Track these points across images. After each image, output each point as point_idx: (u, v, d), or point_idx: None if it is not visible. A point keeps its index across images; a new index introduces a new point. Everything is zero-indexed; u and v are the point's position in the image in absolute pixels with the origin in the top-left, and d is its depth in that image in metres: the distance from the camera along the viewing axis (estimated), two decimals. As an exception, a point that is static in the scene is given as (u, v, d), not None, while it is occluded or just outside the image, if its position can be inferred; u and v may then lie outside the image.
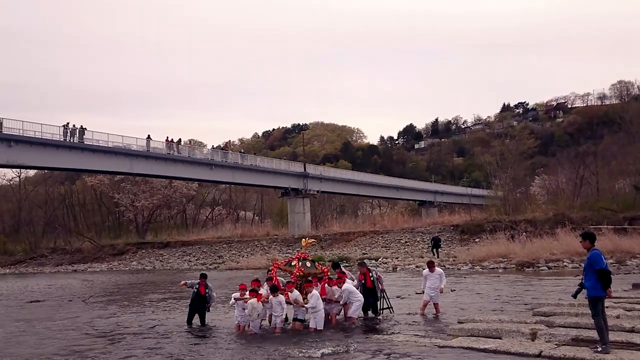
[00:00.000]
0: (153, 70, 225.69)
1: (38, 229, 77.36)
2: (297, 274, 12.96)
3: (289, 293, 12.20)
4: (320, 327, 11.86)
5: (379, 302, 13.76)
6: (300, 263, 13.29)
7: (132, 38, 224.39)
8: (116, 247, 60.84)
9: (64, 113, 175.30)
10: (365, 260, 15.85)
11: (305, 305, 11.98)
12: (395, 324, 12.66)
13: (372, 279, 13.54)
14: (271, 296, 11.99)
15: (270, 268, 13.67)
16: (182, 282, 14.84)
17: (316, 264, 14.17)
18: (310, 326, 11.97)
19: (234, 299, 12.47)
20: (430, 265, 14.18)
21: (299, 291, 12.42)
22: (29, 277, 44.74)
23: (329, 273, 13.41)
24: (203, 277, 14.26)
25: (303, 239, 15.25)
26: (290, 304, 12.23)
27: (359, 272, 13.94)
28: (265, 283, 12.84)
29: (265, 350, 10.24)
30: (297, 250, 14.81)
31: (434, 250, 38.04)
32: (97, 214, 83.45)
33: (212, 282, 14.89)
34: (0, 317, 17.62)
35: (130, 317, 16.17)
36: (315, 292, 12.03)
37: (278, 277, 13.21)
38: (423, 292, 14.10)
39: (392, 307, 14.06)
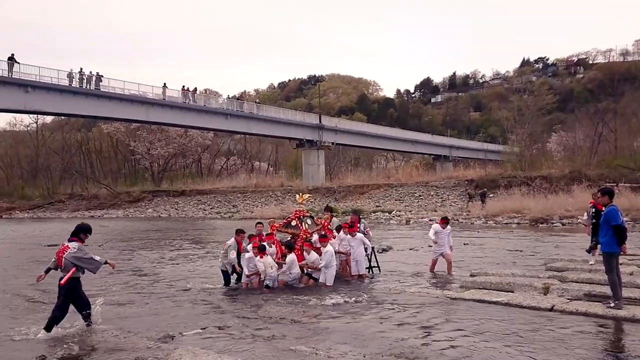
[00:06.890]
0: (168, 17, 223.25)
1: (55, 175, 78.47)
2: (304, 237, 12.15)
3: (306, 255, 11.81)
4: (330, 283, 11.53)
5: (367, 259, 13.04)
6: (302, 223, 12.45)
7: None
8: (132, 195, 61.61)
9: (77, 60, 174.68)
10: (358, 210, 14.75)
11: (320, 265, 11.61)
12: (407, 276, 12.73)
13: (359, 229, 12.80)
14: (289, 255, 11.52)
15: (269, 231, 12.26)
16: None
17: (315, 218, 13.26)
18: (320, 281, 11.67)
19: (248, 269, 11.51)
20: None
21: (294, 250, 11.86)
22: (47, 222, 45.53)
23: (329, 225, 12.72)
24: (240, 232, 11.88)
25: (298, 195, 14.14)
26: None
27: (350, 219, 13.24)
28: (249, 239, 11.87)
29: (276, 297, 10.35)
30: (294, 208, 13.65)
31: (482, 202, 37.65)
32: (114, 161, 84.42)
33: (226, 230, 14.13)
34: (19, 259, 18.01)
35: (143, 263, 16.43)
36: (330, 248, 11.72)
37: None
38: (451, 248, 13.14)
39: (379, 267, 13.37)
